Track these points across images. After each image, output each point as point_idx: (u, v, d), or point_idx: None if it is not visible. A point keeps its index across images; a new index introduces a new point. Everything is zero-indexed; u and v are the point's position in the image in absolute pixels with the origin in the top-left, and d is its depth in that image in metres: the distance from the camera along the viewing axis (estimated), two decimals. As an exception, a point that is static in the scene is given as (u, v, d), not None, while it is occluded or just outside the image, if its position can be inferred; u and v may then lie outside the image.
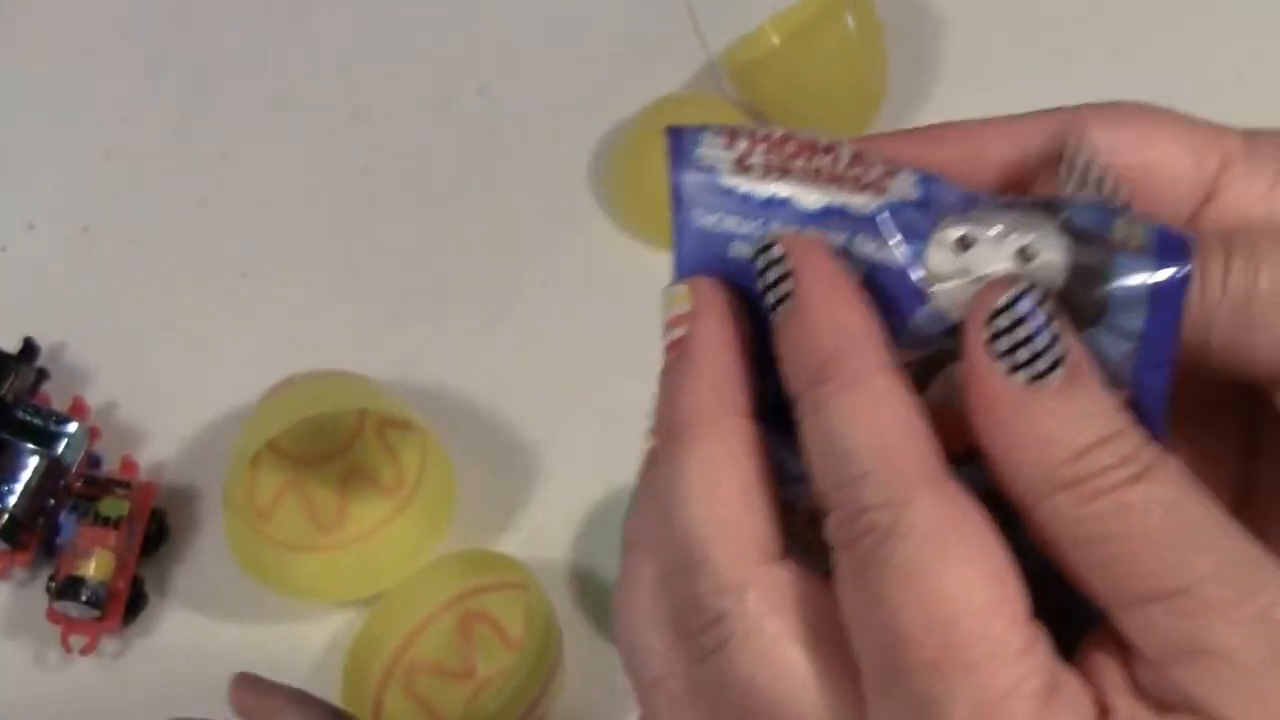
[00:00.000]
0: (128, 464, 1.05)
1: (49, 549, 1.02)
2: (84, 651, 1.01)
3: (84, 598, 0.99)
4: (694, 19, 1.16)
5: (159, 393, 1.08)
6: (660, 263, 1.03)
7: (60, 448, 1.02)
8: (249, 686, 0.87)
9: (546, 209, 1.13)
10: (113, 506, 1.01)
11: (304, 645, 1.02)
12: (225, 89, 1.18)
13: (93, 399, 1.07)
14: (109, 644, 1.02)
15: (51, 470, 1.02)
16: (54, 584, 1.00)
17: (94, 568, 0.99)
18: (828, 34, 1.09)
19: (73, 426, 1.02)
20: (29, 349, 1.05)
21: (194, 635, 1.03)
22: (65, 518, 1.01)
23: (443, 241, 1.12)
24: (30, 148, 1.16)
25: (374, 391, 1.00)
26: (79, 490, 1.01)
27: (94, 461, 1.05)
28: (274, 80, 1.18)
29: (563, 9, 1.19)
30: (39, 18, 1.20)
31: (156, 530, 1.03)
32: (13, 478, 1.01)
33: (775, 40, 1.14)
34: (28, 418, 1.02)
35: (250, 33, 1.19)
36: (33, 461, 1.02)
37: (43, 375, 1.06)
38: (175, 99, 1.17)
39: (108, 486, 1.01)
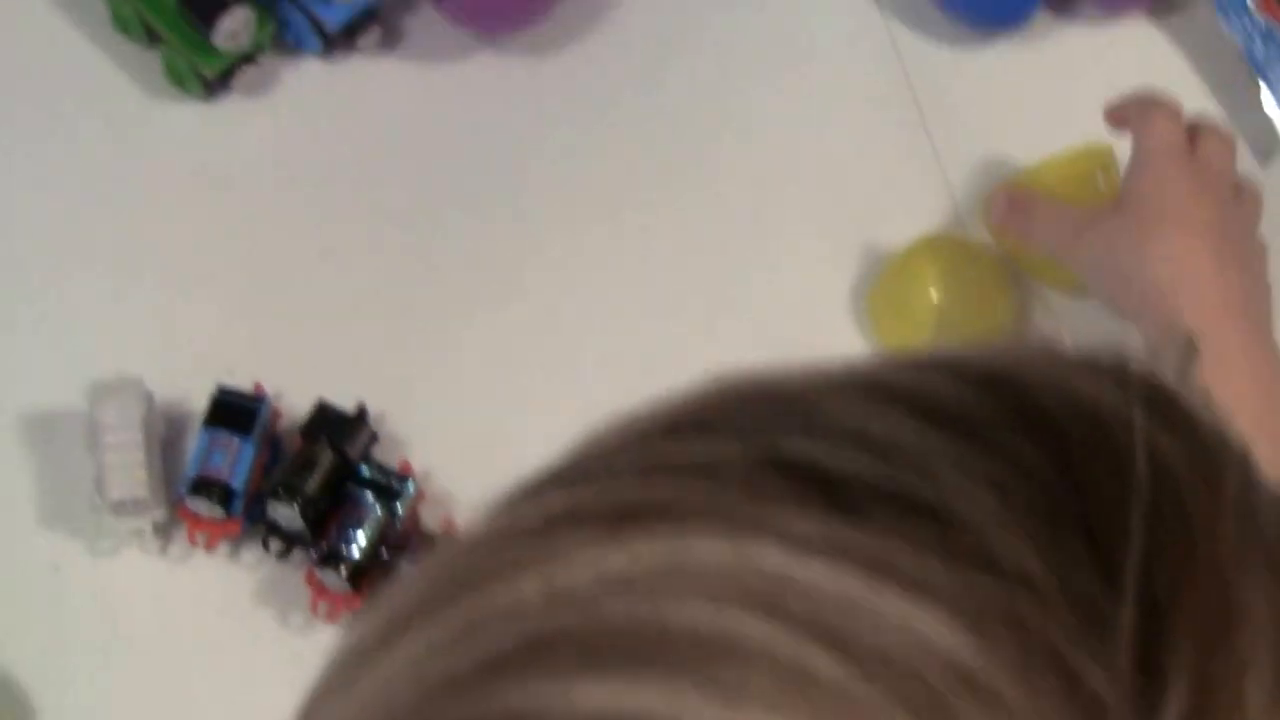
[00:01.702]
0: (449, 523, 1.15)
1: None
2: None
3: (420, 638, 1.09)
4: (940, 164, 1.29)
5: (469, 464, 1.19)
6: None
7: (401, 503, 1.13)
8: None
9: (811, 331, 1.24)
10: (447, 558, 1.11)
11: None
12: (525, 202, 1.29)
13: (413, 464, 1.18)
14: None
15: (388, 524, 1.13)
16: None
17: (430, 612, 1.10)
18: (1080, 191, 1.21)
19: (410, 485, 1.13)
20: (363, 412, 1.17)
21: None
22: (406, 568, 1.11)
23: (721, 353, 1.23)
24: (354, 238, 1.27)
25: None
26: (420, 544, 1.12)
27: (418, 521, 1.16)
28: (569, 194, 1.29)
29: (828, 154, 1.31)
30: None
31: (468, 585, 1.13)
32: (358, 526, 1.12)
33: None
34: (371, 473, 1.13)
35: (548, 149, 1.30)
36: (374, 514, 1.12)
37: (374, 438, 1.17)
38: (480, 205, 1.28)
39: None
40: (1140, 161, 1.11)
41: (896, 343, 1.24)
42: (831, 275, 1.27)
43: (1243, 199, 1.13)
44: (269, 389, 1.17)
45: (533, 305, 1.26)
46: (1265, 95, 1.30)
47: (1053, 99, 1.34)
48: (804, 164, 1.31)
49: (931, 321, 1.22)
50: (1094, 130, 1.24)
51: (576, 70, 1.33)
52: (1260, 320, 1.09)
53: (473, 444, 1.20)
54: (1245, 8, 1.30)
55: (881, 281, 1.25)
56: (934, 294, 1.22)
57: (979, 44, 1.35)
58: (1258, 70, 1.30)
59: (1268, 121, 1.31)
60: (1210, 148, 1.12)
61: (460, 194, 1.29)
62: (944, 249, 1.25)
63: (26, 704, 1.11)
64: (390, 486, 1.13)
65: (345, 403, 1.16)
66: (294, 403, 1.18)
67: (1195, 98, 1.34)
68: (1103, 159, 1.20)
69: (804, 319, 1.26)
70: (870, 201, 1.29)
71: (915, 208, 1.29)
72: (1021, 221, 1.18)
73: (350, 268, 1.26)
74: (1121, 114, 1.15)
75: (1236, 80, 1.34)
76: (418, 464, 1.18)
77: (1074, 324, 1.23)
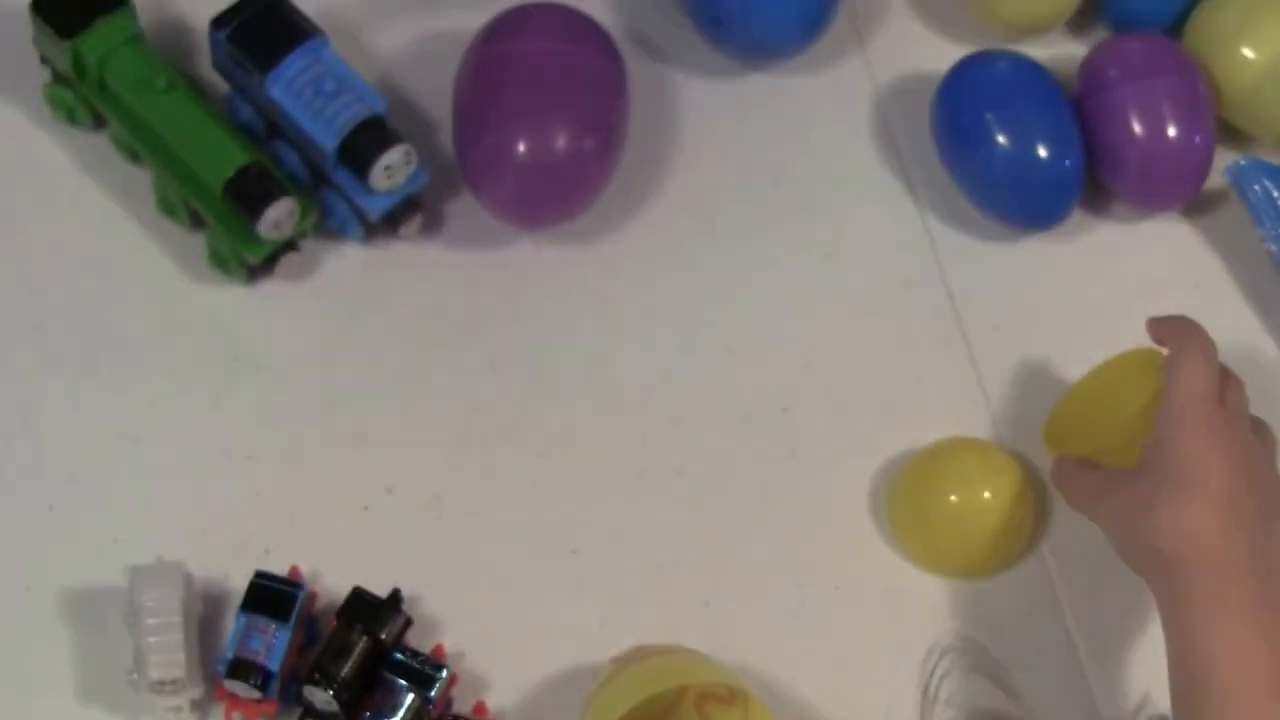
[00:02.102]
0: (480, 708, 1.15)
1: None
2: None
3: (455, 830, 1.09)
4: (977, 371, 1.29)
5: (501, 647, 1.19)
6: (928, 581, 1.16)
7: (434, 689, 1.13)
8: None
9: (833, 521, 1.26)
10: (479, 747, 1.12)
11: None
12: (559, 391, 1.30)
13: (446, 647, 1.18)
14: None
15: (421, 710, 1.13)
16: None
17: (462, 802, 1.10)
18: (1127, 396, 1.21)
19: (444, 671, 1.14)
20: (396, 598, 1.17)
21: None
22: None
23: (747, 541, 1.24)
24: (391, 423, 1.27)
25: (714, 667, 1.12)
26: (450, 729, 1.12)
27: (448, 705, 1.16)
28: (603, 387, 1.30)
29: (860, 344, 1.32)
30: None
31: (503, 772, 1.13)
32: (392, 712, 1.12)
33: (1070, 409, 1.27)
34: (405, 659, 1.14)
35: (584, 339, 1.31)
36: (408, 699, 1.13)
37: (409, 622, 1.17)
38: (514, 393, 1.29)
39: (474, 728, 1.12)
40: (1166, 414, 1.10)
41: (912, 542, 1.24)
42: (854, 467, 1.29)
43: (1262, 437, 1.13)
44: (305, 569, 1.18)
45: (567, 492, 1.26)
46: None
47: (1085, 295, 1.36)
48: (834, 353, 1.33)
49: (948, 526, 1.22)
50: (1120, 327, 1.25)
51: (613, 259, 1.34)
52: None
53: (507, 628, 1.21)
54: (1277, 212, 1.31)
55: (902, 478, 1.25)
56: (953, 498, 1.22)
57: (1013, 238, 1.36)
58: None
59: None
60: (1234, 391, 1.12)
61: (496, 380, 1.30)
62: (967, 452, 1.26)
63: None
64: (423, 672, 1.13)
65: (381, 584, 1.17)
66: (331, 584, 1.19)
67: (1226, 298, 1.36)
68: (1150, 363, 1.20)
69: (823, 509, 1.28)
70: (898, 394, 1.31)
71: (943, 402, 1.31)
72: (1063, 483, 1.20)
73: (386, 450, 1.27)
74: (1161, 336, 1.15)
75: (1267, 280, 1.34)
76: (452, 645, 1.18)
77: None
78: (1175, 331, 1.13)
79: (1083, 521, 1.21)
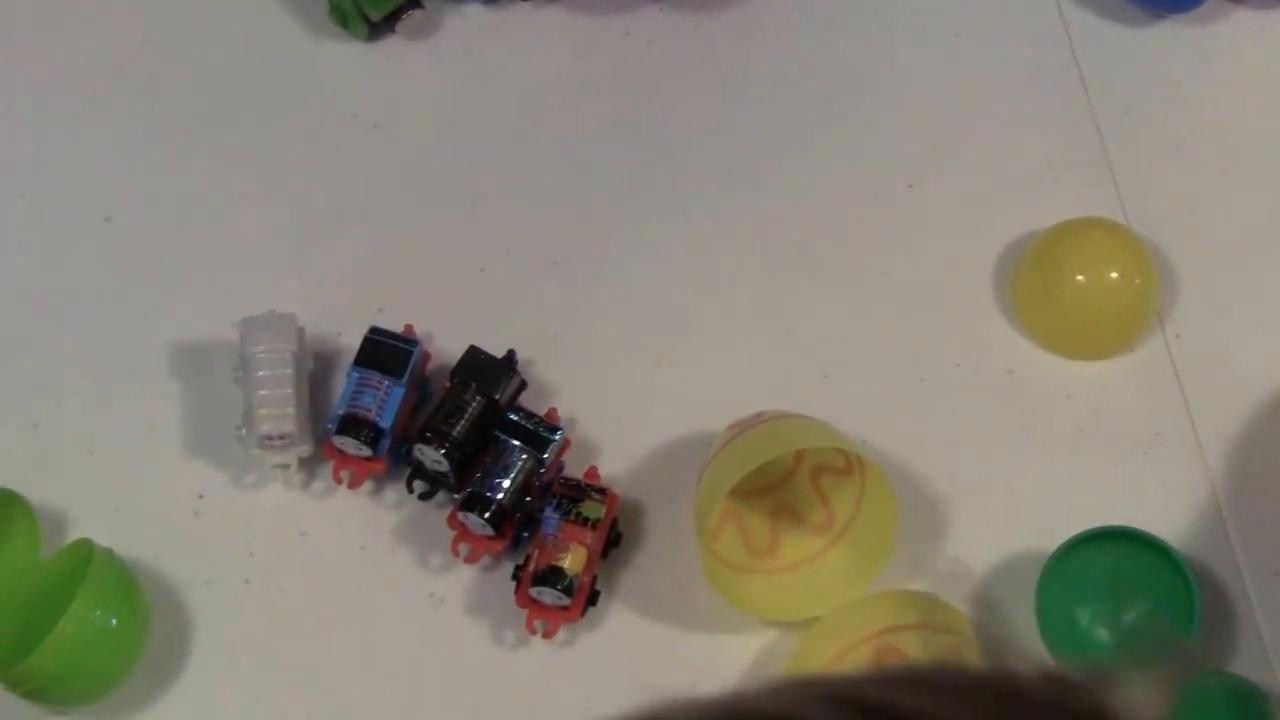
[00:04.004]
0: (592, 473, 1.09)
1: (516, 541, 1.07)
2: (547, 636, 1.05)
3: (560, 586, 1.03)
4: (1106, 154, 1.21)
5: (613, 414, 1.13)
6: (1049, 361, 1.09)
7: (548, 451, 1.06)
8: None
9: (956, 299, 1.17)
10: (592, 509, 1.05)
11: (731, 656, 1.07)
12: (679, 160, 1.22)
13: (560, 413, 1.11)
14: (562, 632, 1.06)
15: (533, 471, 1.06)
16: (524, 573, 1.04)
17: (572, 561, 1.04)
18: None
19: (558, 433, 1.07)
20: (512, 358, 1.10)
21: (636, 635, 1.08)
22: (549, 513, 1.05)
23: (867, 316, 1.16)
24: (508, 186, 1.20)
25: (833, 433, 1.05)
26: (562, 490, 1.06)
27: (560, 469, 1.09)
28: (725, 156, 1.22)
29: (988, 125, 1.23)
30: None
31: (613, 536, 1.07)
32: (504, 472, 1.06)
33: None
34: (521, 420, 1.07)
35: (707, 107, 1.23)
36: (521, 460, 1.06)
37: (523, 385, 1.10)
38: (633, 161, 1.21)
39: (588, 491, 1.06)
40: None
41: (1035, 321, 1.16)
42: (979, 247, 1.21)
43: None
44: (418, 331, 1.11)
45: (681, 261, 1.20)
46: None
47: (1218, 80, 1.27)
48: (962, 133, 1.25)
49: (1073, 305, 1.15)
50: (1252, 113, 1.20)
51: (741, 26, 1.26)
52: None
53: (621, 395, 1.15)
54: None
55: (1028, 257, 1.17)
56: (1079, 277, 1.15)
57: (1148, 22, 1.27)
58: None
59: None
60: None
61: (615, 145, 1.23)
62: (1095, 231, 1.17)
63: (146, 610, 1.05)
64: (538, 434, 1.07)
65: (496, 347, 1.10)
66: (442, 346, 1.13)
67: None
68: None
69: (946, 287, 1.20)
70: (1026, 175, 1.23)
71: (1071, 185, 1.23)
72: None
73: (503, 214, 1.20)
74: None
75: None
76: (565, 411, 1.13)
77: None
78: None
79: (1206, 305, 1.16)
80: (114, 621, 1.02)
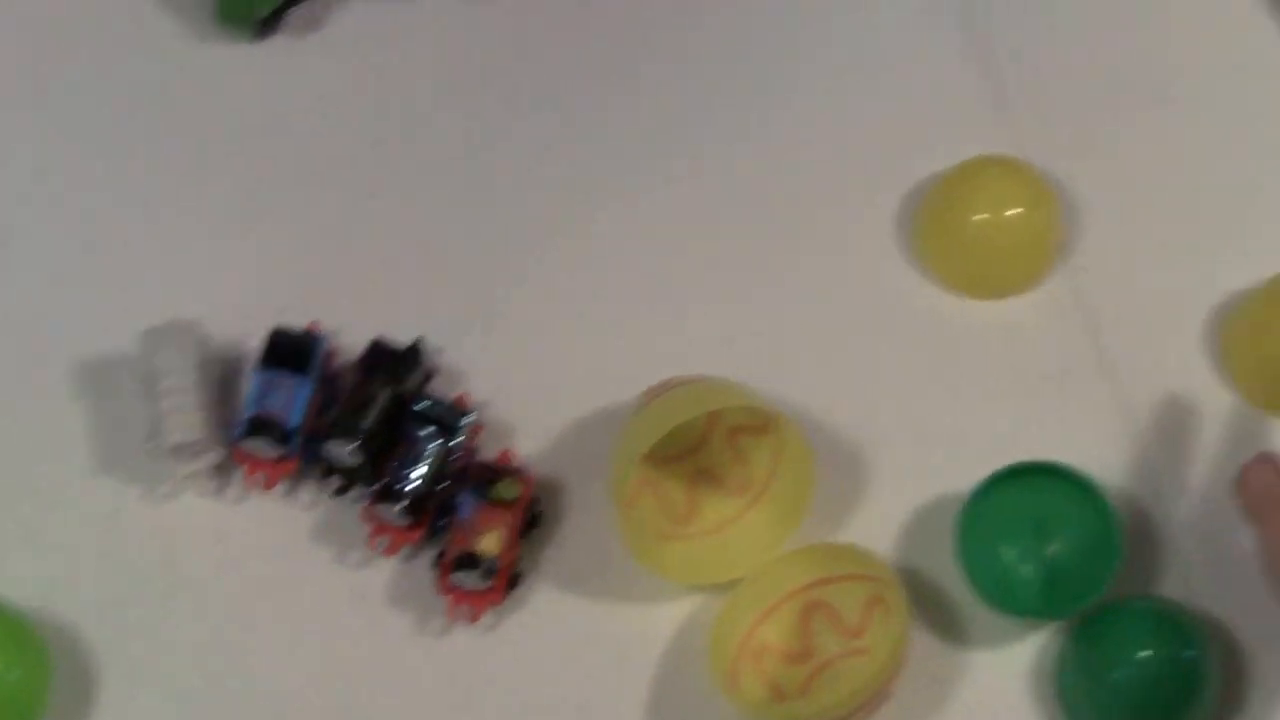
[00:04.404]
0: (506, 456, 1.08)
1: (435, 530, 1.06)
2: (472, 620, 1.04)
3: (481, 570, 1.02)
4: (1005, 92, 1.20)
5: (527, 394, 1.12)
6: (957, 303, 1.08)
7: (458, 436, 1.05)
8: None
9: (861, 248, 1.18)
10: (508, 490, 1.05)
11: (657, 625, 1.07)
12: (576, 134, 1.21)
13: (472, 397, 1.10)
14: (487, 616, 1.05)
15: (446, 457, 1.05)
16: (443, 560, 1.03)
17: (489, 544, 1.03)
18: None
19: (469, 417, 1.06)
20: (418, 347, 1.09)
21: (562, 612, 1.07)
22: (464, 498, 1.04)
23: (774, 274, 1.16)
24: (406, 175, 1.20)
25: (747, 393, 1.04)
26: (476, 474, 1.05)
27: (475, 453, 1.08)
28: (621, 127, 1.21)
29: (882, 72, 1.23)
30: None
31: (531, 516, 1.06)
32: (416, 461, 1.05)
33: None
34: (430, 408, 1.06)
35: (599, 79, 1.22)
36: (433, 447, 1.05)
37: (431, 373, 1.09)
38: (529, 139, 1.20)
39: (502, 472, 1.05)
40: None
41: (940, 263, 1.16)
42: (880, 195, 1.20)
43: None
44: (324, 327, 1.10)
45: (584, 237, 1.19)
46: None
47: (1110, 9, 1.26)
48: (855, 82, 1.24)
49: (976, 244, 1.14)
50: (1142, 48, 1.22)
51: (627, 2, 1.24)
52: None
53: (532, 375, 1.14)
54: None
55: (929, 200, 1.17)
56: (979, 216, 1.14)
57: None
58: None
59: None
60: None
61: (510, 128, 1.22)
62: (993, 168, 1.17)
63: (43, 651, 1.04)
64: (448, 420, 1.06)
65: (403, 339, 1.08)
66: (350, 341, 1.12)
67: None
68: None
69: (852, 238, 1.19)
70: (923, 120, 1.22)
71: (970, 126, 1.22)
72: (1255, 486, 1.01)
73: (402, 205, 1.19)
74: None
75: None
76: (477, 395, 1.11)
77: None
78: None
79: (1109, 236, 1.16)
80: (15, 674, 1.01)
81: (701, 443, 1.10)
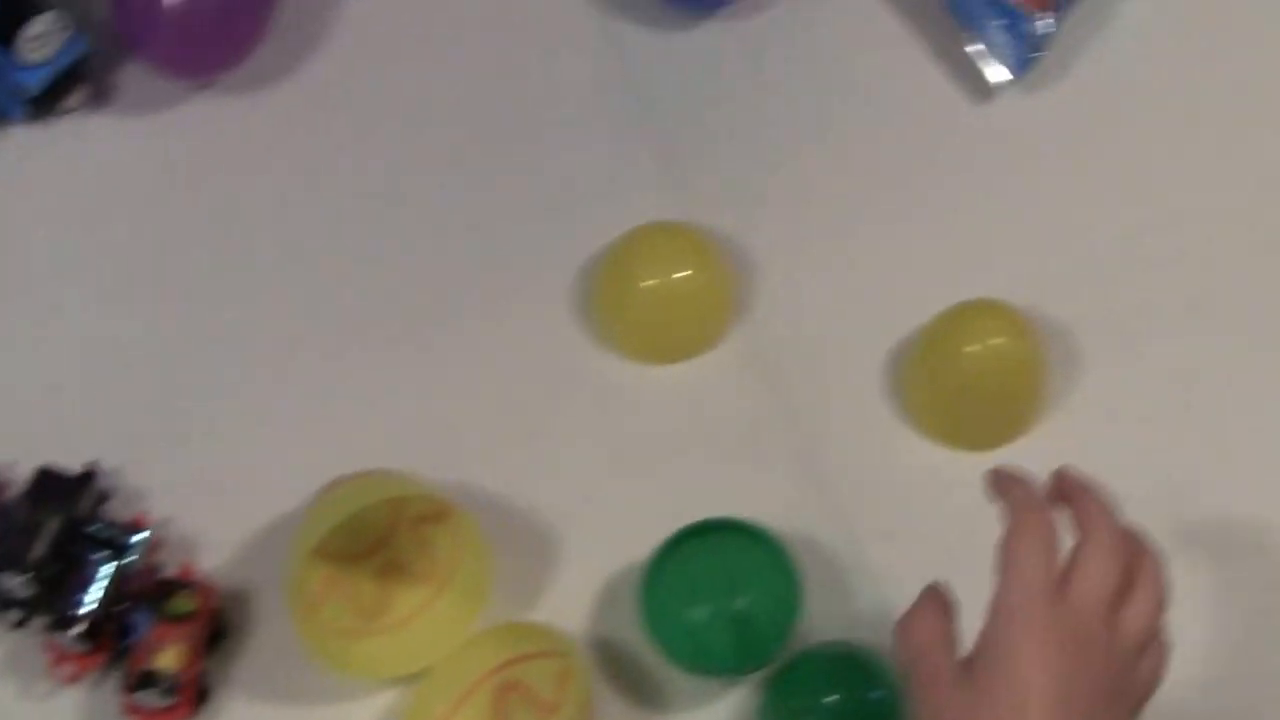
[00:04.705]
0: (187, 568, 1.06)
1: (119, 652, 1.04)
2: (162, 739, 1.03)
3: (162, 687, 1.00)
4: (669, 159, 1.21)
5: (210, 506, 1.10)
6: (641, 370, 1.08)
7: (130, 556, 1.04)
8: None
9: (536, 324, 1.18)
10: (182, 603, 1.03)
11: (356, 723, 1.04)
12: (241, 244, 1.20)
13: (151, 515, 1.09)
14: (179, 731, 1.04)
15: (121, 578, 1.04)
16: (129, 679, 1.01)
17: (168, 660, 1.01)
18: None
19: (140, 535, 1.05)
20: (90, 472, 1.08)
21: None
22: (138, 617, 1.03)
23: (452, 361, 1.16)
24: (76, 296, 1.18)
25: (414, 483, 1.04)
26: (150, 591, 1.03)
27: (155, 570, 1.07)
28: (282, 239, 1.20)
29: (549, 151, 1.23)
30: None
31: (217, 628, 1.05)
32: (88, 586, 1.03)
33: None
34: (99, 531, 1.05)
35: (270, 189, 1.22)
36: (106, 570, 1.04)
37: (105, 496, 1.08)
38: (200, 254, 1.19)
39: (176, 586, 1.03)
40: (997, 610, 0.87)
41: (616, 334, 1.17)
42: (554, 269, 1.20)
43: (1120, 624, 0.89)
44: (-2, 460, 1.08)
45: (264, 346, 1.18)
46: (970, 41, 1.22)
47: (769, 70, 1.28)
48: (523, 159, 1.24)
49: (647, 310, 1.14)
50: (800, 99, 1.23)
51: (288, 102, 1.24)
52: None
53: (215, 486, 1.12)
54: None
55: (599, 271, 1.18)
56: (649, 282, 1.14)
57: (692, 25, 1.29)
58: (960, 17, 1.22)
59: (973, 64, 1.23)
60: (1080, 577, 0.88)
61: (184, 242, 1.21)
62: (659, 235, 1.17)
63: None
64: (118, 541, 1.04)
65: (80, 461, 1.07)
66: (26, 471, 1.09)
67: (912, 49, 1.26)
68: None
69: (527, 315, 1.19)
70: (593, 191, 1.22)
71: (640, 194, 1.22)
72: (913, 645, 0.90)
73: (72, 325, 1.17)
74: (1000, 500, 0.90)
75: (946, 29, 1.27)
76: (161, 511, 1.10)
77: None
78: (1015, 505, 0.89)
79: (782, 290, 1.18)
80: None
81: (389, 535, 1.09)
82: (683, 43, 1.28)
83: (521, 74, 1.27)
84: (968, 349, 1.12)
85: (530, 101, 1.26)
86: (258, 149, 1.24)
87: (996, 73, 1.24)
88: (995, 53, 1.23)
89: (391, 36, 1.28)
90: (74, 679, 1.05)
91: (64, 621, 1.02)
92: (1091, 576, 0.87)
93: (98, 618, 1.03)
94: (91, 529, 1.05)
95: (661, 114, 1.25)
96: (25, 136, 1.24)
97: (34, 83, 1.19)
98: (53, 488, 1.06)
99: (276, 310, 1.18)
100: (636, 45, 1.27)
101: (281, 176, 1.23)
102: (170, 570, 1.08)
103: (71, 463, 1.09)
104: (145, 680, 1.01)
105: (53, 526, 1.05)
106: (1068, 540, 0.86)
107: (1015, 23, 1.22)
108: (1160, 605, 0.89)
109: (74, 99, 1.22)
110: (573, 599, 1.08)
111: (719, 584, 1.05)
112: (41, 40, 1.17)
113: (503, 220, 1.21)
